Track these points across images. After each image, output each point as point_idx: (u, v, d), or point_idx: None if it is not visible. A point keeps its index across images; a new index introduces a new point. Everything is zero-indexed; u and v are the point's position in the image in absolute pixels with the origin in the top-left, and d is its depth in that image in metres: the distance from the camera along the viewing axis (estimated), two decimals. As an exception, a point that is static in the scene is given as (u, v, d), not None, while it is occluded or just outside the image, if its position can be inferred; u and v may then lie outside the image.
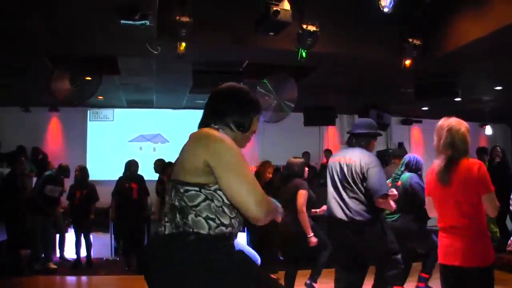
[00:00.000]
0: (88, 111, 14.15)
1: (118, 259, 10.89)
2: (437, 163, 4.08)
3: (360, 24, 8.49)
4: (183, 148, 2.80)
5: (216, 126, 2.86)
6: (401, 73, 8.96)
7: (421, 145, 16.43)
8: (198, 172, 2.64)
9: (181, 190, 2.66)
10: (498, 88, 11.52)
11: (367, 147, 5.36)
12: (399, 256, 5.37)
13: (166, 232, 2.69)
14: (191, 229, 2.61)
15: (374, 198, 5.04)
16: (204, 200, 2.63)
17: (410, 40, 8.24)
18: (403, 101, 12.62)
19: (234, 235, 2.73)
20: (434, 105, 13.40)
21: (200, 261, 2.56)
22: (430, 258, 6.87)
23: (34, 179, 10.63)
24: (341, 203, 5.22)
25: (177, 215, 2.66)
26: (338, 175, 5.30)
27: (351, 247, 5.28)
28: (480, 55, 8.52)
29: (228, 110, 2.90)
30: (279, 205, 2.88)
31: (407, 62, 8.45)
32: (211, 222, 2.62)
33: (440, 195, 4.10)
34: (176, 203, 2.68)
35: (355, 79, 10.65)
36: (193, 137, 2.80)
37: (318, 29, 7.66)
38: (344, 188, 5.21)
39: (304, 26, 7.63)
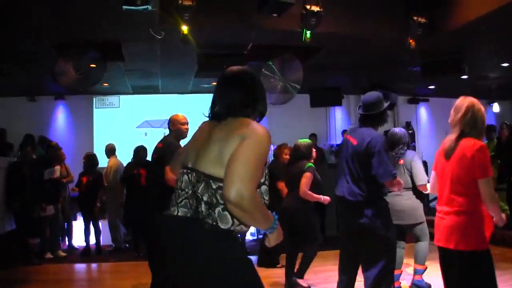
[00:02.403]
0: (94, 98, 14.17)
1: (127, 245, 10.92)
2: (449, 137, 4.06)
3: (364, 3, 8.43)
4: (210, 137, 2.72)
5: (249, 116, 2.77)
6: (407, 52, 8.89)
7: (428, 124, 16.38)
8: None
9: (214, 187, 2.57)
10: (505, 65, 11.43)
11: (375, 126, 5.17)
12: (391, 256, 5.13)
13: (180, 214, 2.66)
14: (211, 221, 2.57)
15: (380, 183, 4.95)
16: None
17: (415, 18, 8.17)
18: (410, 80, 12.57)
19: (246, 234, 2.67)
20: (441, 84, 13.33)
21: (212, 250, 2.55)
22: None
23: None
24: (342, 180, 5.12)
25: (202, 205, 2.60)
26: (345, 152, 5.19)
27: (346, 223, 5.22)
28: (487, 32, 8.45)
29: (259, 98, 2.86)
30: (273, 217, 2.69)
31: (412, 42, 8.39)
32: (235, 219, 2.56)
33: (441, 169, 4.07)
34: (205, 198, 2.59)
35: (360, 59, 10.59)
36: (228, 127, 2.69)
37: (321, 9, 7.60)
38: (347, 166, 5.10)
39: (308, 7, 7.58)
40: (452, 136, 4.02)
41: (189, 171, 2.72)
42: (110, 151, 10.99)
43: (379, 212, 4.97)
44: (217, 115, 2.82)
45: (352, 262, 5.21)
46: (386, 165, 4.88)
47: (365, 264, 5.01)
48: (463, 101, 4.05)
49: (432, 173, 4.28)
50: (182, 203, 2.69)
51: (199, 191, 2.62)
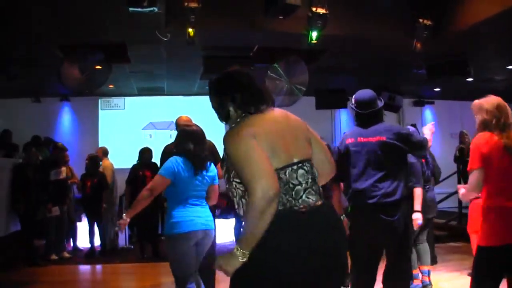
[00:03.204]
0: (99, 100, 14.18)
1: (132, 247, 10.93)
2: (505, 135, 3.87)
3: (370, 5, 8.41)
4: (288, 129, 2.88)
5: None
6: (412, 54, 8.86)
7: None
8: None
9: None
10: (511, 67, 11.40)
11: (383, 119, 5.15)
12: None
13: (318, 203, 2.80)
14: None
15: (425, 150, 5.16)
16: None
17: (421, 20, 8.15)
18: (415, 82, 12.54)
19: None
20: (447, 86, 13.30)
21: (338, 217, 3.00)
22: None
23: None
24: (370, 186, 4.84)
25: (319, 186, 2.88)
26: (360, 157, 4.93)
27: (378, 230, 4.86)
28: (492, 34, 8.43)
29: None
30: None
31: (418, 44, 8.37)
32: None
33: (506, 165, 3.83)
34: (316, 179, 2.89)
35: (366, 61, 10.58)
36: (285, 117, 2.94)
37: (327, 12, 7.60)
38: (371, 169, 4.86)
39: (314, 9, 7.57)
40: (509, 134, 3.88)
41: (300, 164, 2.81)
42: (105, 153, 11.04)
43: (408, 207, 5.05)
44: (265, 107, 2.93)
45: (374, 269, 4.98)
46: (419, 136, 5.28)
47: (394, 266, 4.90)
48: (502, 100, 4.00)
49: (477, 173, 3.90)
50: (306, 193, 2.76)
51: (316, 175, 2.88)
